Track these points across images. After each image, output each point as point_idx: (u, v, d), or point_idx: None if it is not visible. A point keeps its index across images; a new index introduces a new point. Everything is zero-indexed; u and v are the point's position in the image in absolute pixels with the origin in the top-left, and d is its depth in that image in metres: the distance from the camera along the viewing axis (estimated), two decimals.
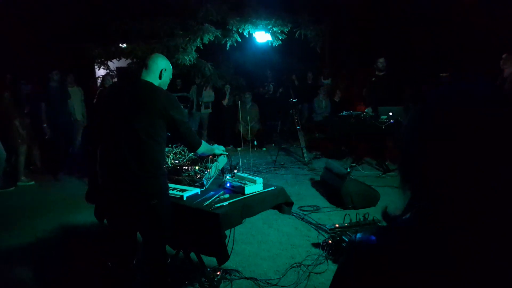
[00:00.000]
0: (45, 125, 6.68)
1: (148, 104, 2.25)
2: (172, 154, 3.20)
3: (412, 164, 0.68)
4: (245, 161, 7.60)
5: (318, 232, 3.97)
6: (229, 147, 9.10)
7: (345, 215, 3.71)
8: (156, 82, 2.37)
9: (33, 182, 6.47)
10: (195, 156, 3.01)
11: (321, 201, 4.99)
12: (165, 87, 2.46)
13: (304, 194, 5.33)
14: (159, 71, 2.37)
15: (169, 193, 2.46)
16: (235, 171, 3.13)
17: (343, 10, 8.98)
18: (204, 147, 2.59)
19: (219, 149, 2.87)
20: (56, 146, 6.91)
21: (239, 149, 8.84)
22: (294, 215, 4.41)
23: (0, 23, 7.58)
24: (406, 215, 0.66)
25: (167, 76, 2.45)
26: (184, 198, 2.59)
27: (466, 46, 7.43)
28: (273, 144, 9.09)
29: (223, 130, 9.42)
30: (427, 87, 7.44)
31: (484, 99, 0.63)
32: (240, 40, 8.08)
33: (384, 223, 0.75)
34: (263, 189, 2.77)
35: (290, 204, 2.94)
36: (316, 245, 3.66)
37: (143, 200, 2.26)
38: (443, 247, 0.60)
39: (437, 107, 0.67)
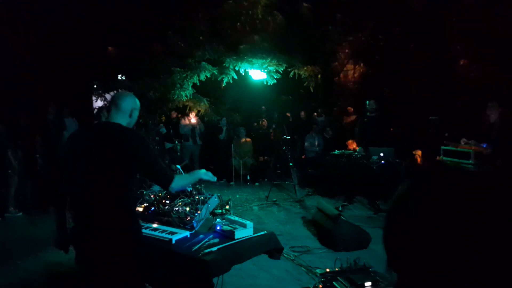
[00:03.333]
0: (37, 155, 6.67)
1: (115, 148, 2.24)
2: (163, 194, 3.21)
3: (397, 247, 0.67)
4: (237, 196, 7.66)
5: (309, 275, 3.92)
6: (222, 181, 9.12)
7: (336, 259, 3.67)
8: (125, 121, 2.38)
9: (20, 214, 6.37)
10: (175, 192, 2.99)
11: (313, 242, 4.95)
12: (134, 123, 2.50)
13: (296, 234, 5.29)
14: (130, 110, 2.39)
15: (140, 238, 2.38)
16: (227, 207, 3.13)
17: (336, 54, 9.32)
18: (180, 181, 2.41)
19: (207, 174, 2.57)
20: (48, 178, 6.85)
21: (232, 183, 8.85)
22: (285, 256, 4.35)
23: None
24: None
25: (137, 114, 2.48)
26: (173, 242, 2.57)
27: (455, 90, 7.68)
28: (265, 180, 9.10)
29: (216, 164, 9.44)
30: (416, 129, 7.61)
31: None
32: (236, 77, 8.30)
33: (377, 269, 0.73)
34: (253, 233, 2.76)
35: (280, 249, 2.92)
36: None
37: (111, 246, 2.22)
38: None
39: (424, 193, 0.66)
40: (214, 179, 2.60)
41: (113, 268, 2.24)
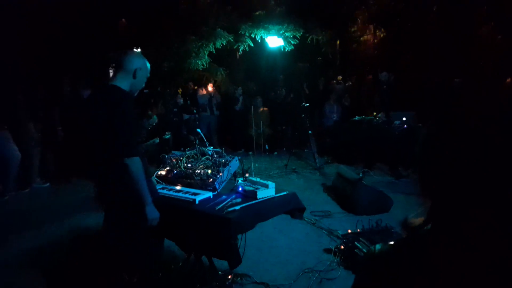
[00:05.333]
0: (59, 128, 6.79)
1: (103, 113, 2.18)
2: (184, 158, 3.22)
3: (431, 175, 0.68)
4: (256, 165, 7.69)
5: (330, 238, 3.94)
6: (240, 151, 9.15)
7: (357, 221, 3.67)
8: (128, 82, 2.29)
9: (47, 184, 6.56)
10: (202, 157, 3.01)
11: (333, 207, 4.95)
12: (140, 86, 2.40)
13: (316, 199, 5.29)
14: (133, 70, 2.29)
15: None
16: (247, 175, 3.13)
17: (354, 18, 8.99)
18: (137, 165, 2.15)
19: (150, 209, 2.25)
20: (70, 149, 6.99)
21: (250, 153, 8.87)
22: (305, 220, 4.38)
23: (14, 28, 7.73)
24: (428, 225, 0.65)
25: (143, 75, 2.36)
26: (197, 202, 2.60)
27: (479, 54, 7.35)
28: (284, 149, 9.07)
29: (234, 135, 9.45)
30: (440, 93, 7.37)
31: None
32: (252, 45, 8.12)
33: (399, 231, 0.74)
34: (275, 193, 2.76)
35: (302, 209, 2.92)
36: (327, 251, 3.61)
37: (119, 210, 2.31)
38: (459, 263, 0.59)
39: (454, 123, 0.67)
40: (151, 217, 2.27)
41: (123, 227, 2.33)
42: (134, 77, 2.30)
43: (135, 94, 2.42)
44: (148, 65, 2.41)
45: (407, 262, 0.65)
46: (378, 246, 0.71)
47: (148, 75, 2.43)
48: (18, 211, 5.30)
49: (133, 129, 2.19)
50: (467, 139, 0.63)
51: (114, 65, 2.37)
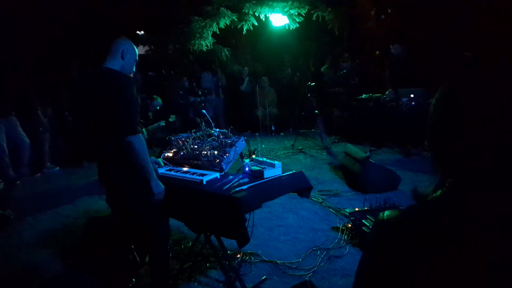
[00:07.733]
0: (66, 113, 6.84)
1: (94, 94, 2.32)
2: (191, 139, 3.23)
3: (441, 143, 0.67)
4: (263, 146, 7.69)
5: (338, 216, 3.96)
6: (247, 133, 9.15)
7: (365, 200, 3.67)
8: (118, 63, 2.41)
9: (57, 168, 6.66)
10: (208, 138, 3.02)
11: (341, 186, 4.96)
12: (131, 67, 2.50)
13: (323, 179, 5.30)
14: (120, 51, 2.41)
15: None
16: (253, 156, 3.13)
17: None
18: (140, 144, 2.25)
19: (156, 184, 2.37)
20: (79, 134, 7.05)
21: (257, 134, 8.87)
22: (313, 199, 4.40)
23: (23, 13, 7.68)
24: (437, 192, 0.65)
25: (131, 57, 2.47)
26: (204, 182, 2.61)
27: (490, 25, 7.11)
28: (290, 129, 9.05)
29: (240, 116, 9.42)
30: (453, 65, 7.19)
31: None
32: (256, 24, 7.99)
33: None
34: (282, 173, 2.76)
35: (309, 188, 2.92)
36: (335, 229, 3.64)
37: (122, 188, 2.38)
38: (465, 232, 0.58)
39: (466, 88, 0.65)
40: (157, 191, 2.37)
41: (128, 206, 2.42)
42: (123, 58, 2.42)
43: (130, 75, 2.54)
44: (136, 49, 2.54)
45: (416, 229, 0.64)
46: (386, 212, 0.70)
47: (137, 59, 2.55)
48: (31, 195, 5.40)
49: (133, 106, 2.27)
50: (483, 102, 0.62)
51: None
